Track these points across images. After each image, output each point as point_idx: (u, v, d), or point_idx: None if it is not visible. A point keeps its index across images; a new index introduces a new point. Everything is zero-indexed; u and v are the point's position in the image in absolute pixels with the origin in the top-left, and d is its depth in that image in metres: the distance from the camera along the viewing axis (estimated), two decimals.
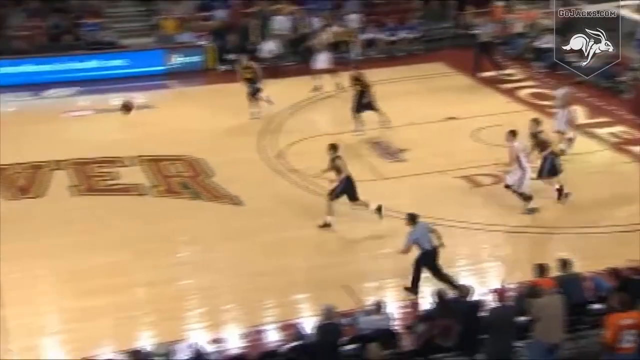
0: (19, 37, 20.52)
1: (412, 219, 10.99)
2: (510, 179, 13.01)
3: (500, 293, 9.66)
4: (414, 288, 10.88)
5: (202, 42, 21.12)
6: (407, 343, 9.31)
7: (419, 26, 22.37)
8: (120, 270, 11.61)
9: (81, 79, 19.82)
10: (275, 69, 19.98)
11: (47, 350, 10.00)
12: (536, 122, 13.42)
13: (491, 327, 9.00)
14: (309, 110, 17.91)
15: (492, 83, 19.20)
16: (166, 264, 11.83)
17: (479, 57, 19.46)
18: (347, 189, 12.55)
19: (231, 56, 20.27)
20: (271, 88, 17.49)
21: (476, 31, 19.94)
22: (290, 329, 10.00)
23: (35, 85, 19.44)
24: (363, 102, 16.19)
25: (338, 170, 12.57)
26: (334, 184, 12.62)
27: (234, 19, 21.88)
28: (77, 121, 17.60)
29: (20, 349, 9.82)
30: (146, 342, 9.86)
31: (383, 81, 18.19)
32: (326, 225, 12.57)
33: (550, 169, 13.11)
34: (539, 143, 13.14)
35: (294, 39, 21.45)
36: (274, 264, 11.76)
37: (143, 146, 15.71)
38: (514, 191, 12.98)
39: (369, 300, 10.48)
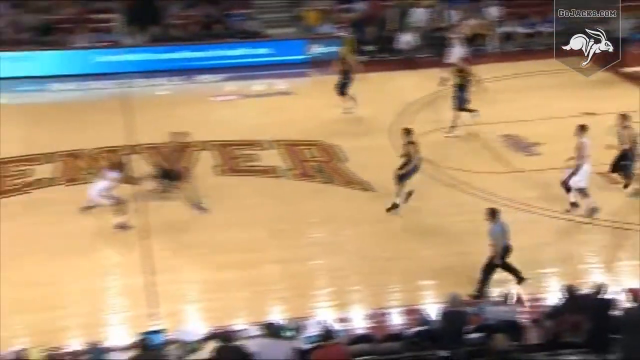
0: (175, 26, 21.53)
1: (493, 214, 10.53)
2: (573, 179, 12.20)
3: (635, 293, 9.17)
4: (481, 291, 10.34)
5: (342, 33, 21.30)
6: (533, 336, 9.04)
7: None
8: (255, 246, 11.96)
9: (229, 66, 20.51)
10: (411, 61, 19.85)
11: (188, 317, 10.48)
12: (624, 117, 12.85)
13: (626, 328, 8.56)
14: (443, 101, 17.66)
15: (633, 78, 18.17)
16: (298, 244, 12.07)
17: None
18: (412, 174, 12.29)
19: (369, 47, 20.34)
20: (406, 79, 17.38)
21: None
22: (415, 314, 9.96)
23: (188, 71, 20.32)
24: (464, 97, 15.63)
25: (409, 155, 12.33)
26: (404, 169, 12.36)
27: (373, 11, 21.92)
28: (223, 105, 18.26)
29: (165, 314, 10.34)
30: (278, 316, 10.13)
31: (519, 75, 17.68)
32: (394, 207, 12.49)
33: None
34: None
35: (431, 31, 21.20)
36: (401, 248, 11.74)
37: (281, 131, 16.07)
38: (575, 189, 12.24)
39: (495, 292, 10.27)
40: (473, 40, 20.35)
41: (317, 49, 21.05)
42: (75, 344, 9.67)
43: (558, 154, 14.49)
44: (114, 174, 12.40)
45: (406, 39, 20.60)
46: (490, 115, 16.52)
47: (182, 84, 19.85)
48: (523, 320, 9.36)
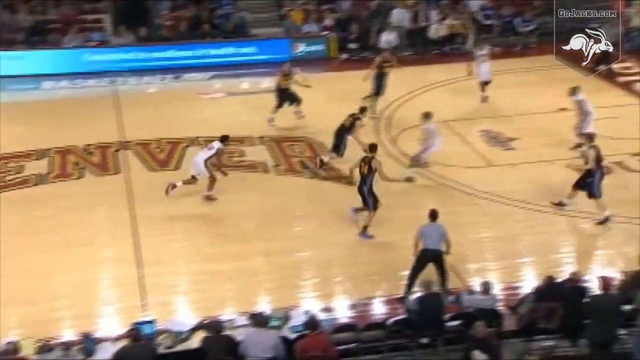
0: (163, 26, 21.38)
1: (431, 215, 10.37)
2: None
3: (605, 281, 9.24)
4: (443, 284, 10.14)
5: (326, 33, 21.26)
6: (509, 323, 9.09)
7: (536, 19, 21.57)
8: (243, 239, 11.93)
9: (216, 65, 20.42)
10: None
11: (177, 307, 10.43)
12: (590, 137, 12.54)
13: (594, 314, 8.63)
14: (422, 99, 17.67)
15: (607, 76, 18.26)
16: (284, 236, 12.05)
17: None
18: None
19: (352, 45, 20.30)
20: (388, 77, 17.28)
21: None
22: (397, 303, 9.97)
23: (176, 69, 20.21)
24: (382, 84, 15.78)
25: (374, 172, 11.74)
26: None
27: (356, 11, 21.87)
28: (210, 103, 18.17)
29: (155, 305, 10.29)
30: (265, 306, 10.11)
31: (498, 72, 17.70)
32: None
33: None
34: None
35: (411, 30, 21.21)
36: (383, 241, 11.73)
37: (267, 127, 16.01)
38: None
39: (473, 281, 10.30)
40: (452, 39, 20.35)
41: (301, 48, 20.97)
42: (68, 335, 9.59)
43: (533, 149, 14.68)
44: (219, 145, 12.72)
45: (387, 38, 20.57)
46: (469, 110, 16.59)
47: (170, 82, 19.73)
48: (500, 308, 9.40)
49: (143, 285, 10.71)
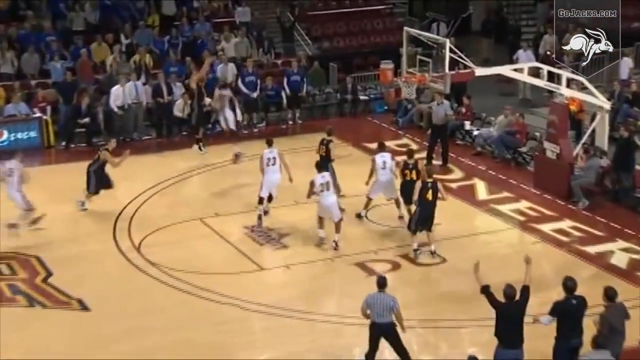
0: None
1: (379, 283, 10.71)
2: None
3: None
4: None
5: (38, 115, 20.05)
6: None
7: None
8: None
9: None
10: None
11: None
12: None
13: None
14: (167, 193, 17.22)
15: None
16: None
17: (434, 143, 18.79)
18: None
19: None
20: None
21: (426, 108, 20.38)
22: None
23: None
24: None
25: None
26: None
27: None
28: None
29: None
30: None
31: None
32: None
33: None
34: None
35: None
36: None
37: None
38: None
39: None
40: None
41: (4, 137, 19.66)
42: None
43: (308, 243, 14.73)
44: None
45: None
46: (230, 204, 16.34)
47: None
48: None
49: None
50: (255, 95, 21.41)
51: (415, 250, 14.27)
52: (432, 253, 14.28)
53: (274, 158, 15.50)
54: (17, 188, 14.85)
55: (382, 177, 15.28)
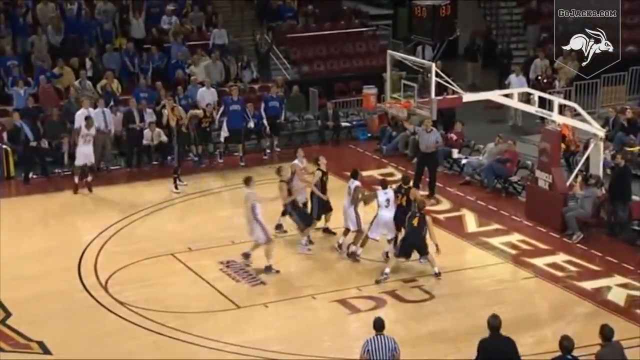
0: None
1: (377, 326, 10.40)
2: None
3: None
4: None
5: None
6: None
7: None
8: None
9: None
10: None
11: None
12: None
13: None
14: (137, 226, 17.14)
15: None
16: None
17: (421, 172, 18.78)
18: None
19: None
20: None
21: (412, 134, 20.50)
22: None
23: None
24: None
25: None
26: None
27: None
28: None
29: None
30: None
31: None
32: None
33: None
34: None
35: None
36: None
37: None
38: None
39: None
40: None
41: None
42: None
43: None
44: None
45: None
46: (204, 238, 16.32)
47: None
48: None
49: None
50: (241, 126, 21.00)
51: (383, 274, 14.61)
52: (437, 275, 14.72)
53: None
54: None
55: (385, 215, 15.20)
